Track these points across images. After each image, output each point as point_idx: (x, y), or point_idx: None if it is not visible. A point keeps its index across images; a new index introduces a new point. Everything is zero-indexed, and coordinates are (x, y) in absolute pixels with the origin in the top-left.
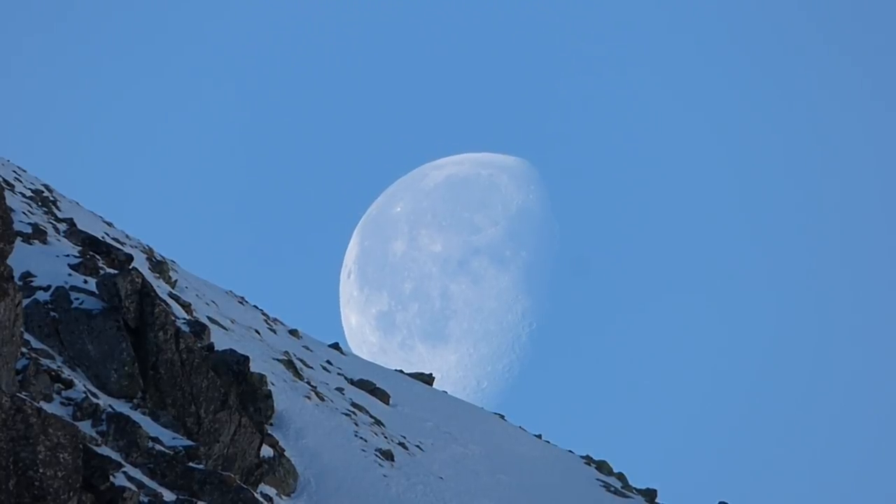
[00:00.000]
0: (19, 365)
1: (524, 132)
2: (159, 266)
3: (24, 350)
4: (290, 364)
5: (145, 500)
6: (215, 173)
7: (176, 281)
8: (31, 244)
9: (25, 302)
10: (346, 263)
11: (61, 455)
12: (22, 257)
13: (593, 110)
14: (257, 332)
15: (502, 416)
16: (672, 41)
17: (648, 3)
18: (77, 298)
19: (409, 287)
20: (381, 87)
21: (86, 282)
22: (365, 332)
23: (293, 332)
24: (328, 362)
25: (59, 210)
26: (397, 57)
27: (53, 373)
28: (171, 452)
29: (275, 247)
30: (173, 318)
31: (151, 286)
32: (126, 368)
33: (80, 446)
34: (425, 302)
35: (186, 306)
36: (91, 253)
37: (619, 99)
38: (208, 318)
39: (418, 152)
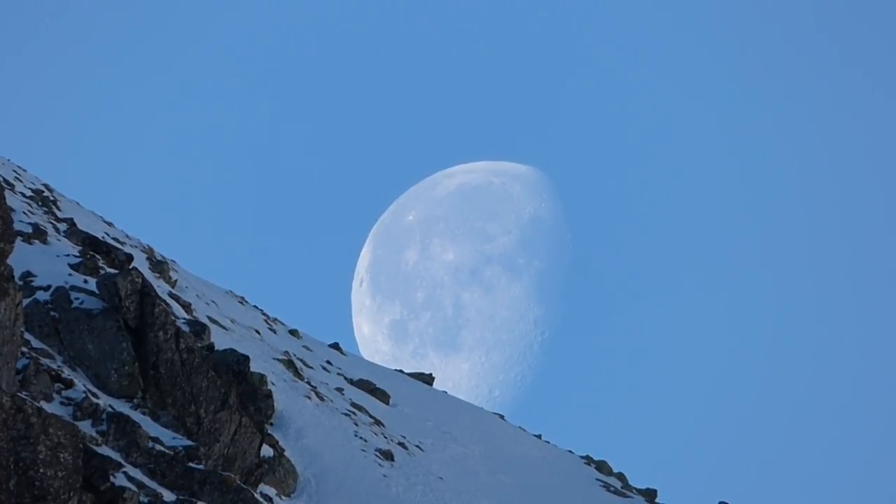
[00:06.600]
0: (19, 365)
1: (536, 141)
2: (159, 266)
3: (24, 350)
4: (290, 364)
5: (145, 500)
6: (221, 176)
7: (176, 281)
8: (31, 244)
9: (25, 302)
10: (359, 272)
11: (61, 455)
12: (22, 257)
13: (605, 119)
14: (257, 331)
15: (502, 416)
16: (681, 50)
17: (660, 13)
18: (77, 298)
19: (421, 296)
20: (393, 95)
21: (86, 282)
22: (377, 341)
23: (293, 332)
24: (328, 362)
25: (59, 210)
26: (409, 65)
27: (53, 372)
28: (171, 452)
29: (287, 255)
30: (173, 317)
31: (151, 286)
32: (126, 368)
33: (81, 446)
34: (437, 311)
35: (186, 306)
36: (91, 253)
37: (630, 107)
38: (208, 317)
39: (430, 160)
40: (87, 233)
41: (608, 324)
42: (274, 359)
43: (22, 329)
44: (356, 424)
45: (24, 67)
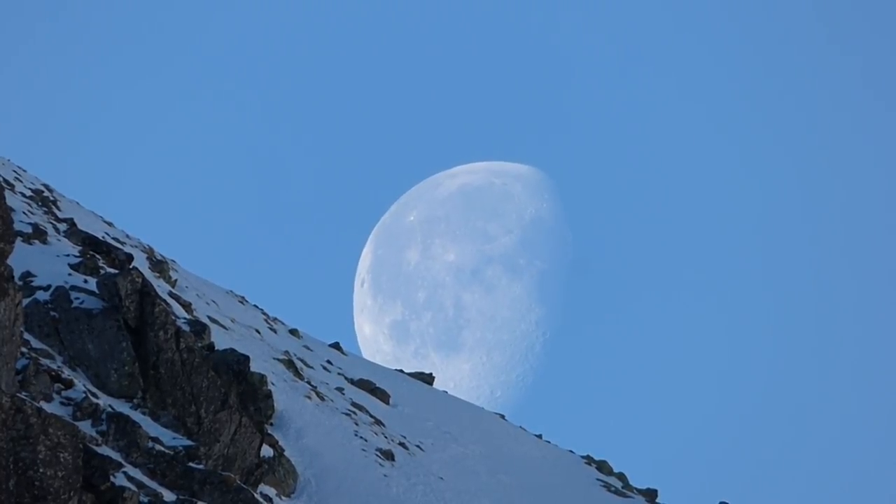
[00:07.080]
0: (19, 365)
1: (537, 141)
2: (159, 266)
3: (24, 350)
4: (290, 364)
5: (145, 500)
6: (221, 176)
7: (176, 280)
8: (31, 244)
9: (25, 302)
10: (360, 272)
11: (61, 455)
12: (22, 257)
13: (606, 119)
14: (257, 331)
15: (502, 416)
16: (681, 50)
17: (659, 13)
18: (77, 298)
19: (422, 296)
20: (395, 96)
21: (86, 281)
22: (379, 342)
23: (293, 332)
24: (328, 362)
25: (59, 210)
26: (411, 66)
27: (53, 373)
28: (171, 452)
29: (287, 255)
30: (173, 317)
31: (152, 286)
32: (126, 368)
33: (81, 446)
34: (439, 311)
35: (187, 306)
36: (91, 253)
37: (631, 107)
38: (208, 317)
39: (432, 161)
40: (87, 233)
41: (609, 324)
42: (274, 359)
43: (22, 329)
44: (356, 424)
45: (24, 67)
